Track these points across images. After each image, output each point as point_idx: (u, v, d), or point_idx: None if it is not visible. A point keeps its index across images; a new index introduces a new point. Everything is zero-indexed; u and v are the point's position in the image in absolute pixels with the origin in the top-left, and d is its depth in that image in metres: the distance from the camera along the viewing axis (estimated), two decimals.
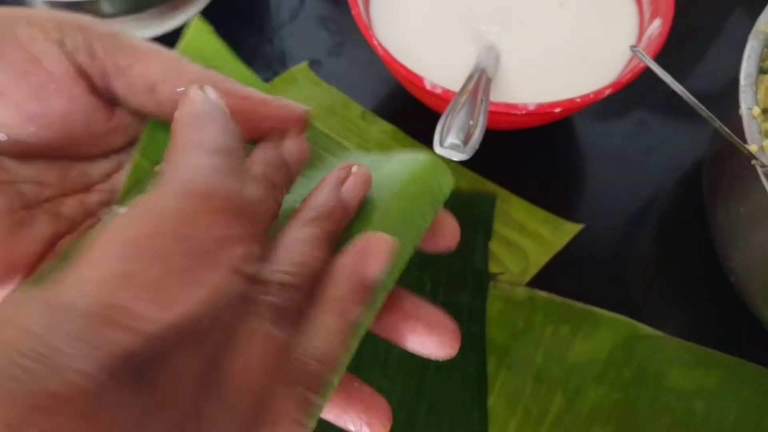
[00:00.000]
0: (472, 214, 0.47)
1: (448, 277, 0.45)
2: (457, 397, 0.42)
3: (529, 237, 0.47)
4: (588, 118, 0.52)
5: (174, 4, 0.55)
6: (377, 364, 0.42)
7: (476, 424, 0.41)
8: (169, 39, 0.55)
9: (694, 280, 0.46)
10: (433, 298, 0.44)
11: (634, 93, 0.53)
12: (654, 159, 0.50)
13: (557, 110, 0.39)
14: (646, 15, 0.45)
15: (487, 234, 0.46)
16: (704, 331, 0.44)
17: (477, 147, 0.36)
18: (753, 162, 0.36)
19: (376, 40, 0.42)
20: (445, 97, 0.39)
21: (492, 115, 0.40)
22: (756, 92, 0.39)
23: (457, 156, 0.36)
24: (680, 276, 0.47)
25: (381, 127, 0.51)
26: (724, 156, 0.41)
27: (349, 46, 0.55)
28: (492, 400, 0.42)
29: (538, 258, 0.46)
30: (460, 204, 0.47)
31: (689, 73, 0.56)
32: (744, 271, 0.41)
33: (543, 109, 0.39)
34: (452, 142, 0.36)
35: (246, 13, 0.57)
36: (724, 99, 0.41)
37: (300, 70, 0.53)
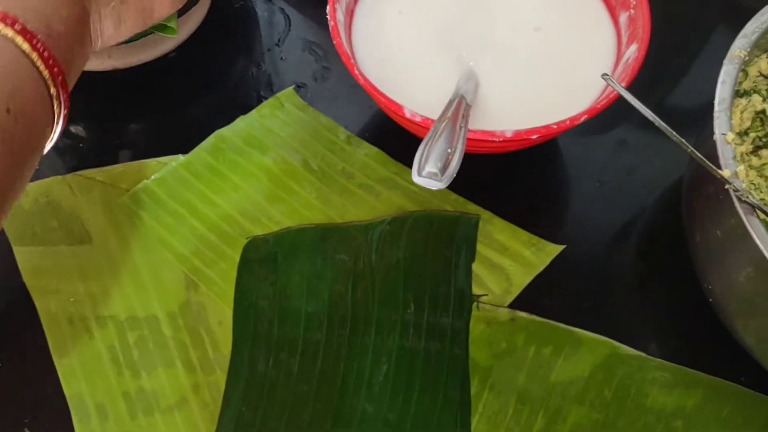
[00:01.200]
0: (456, 235, 0.48)
1: (432, 298, 0.45)
2: (441, 418, 0.42)
3: (511, 258, 0.47)
4: (571, 138, 0.53)
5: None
6: (362, 386, 0.43)
7: None
8: (159, 64, 0.56)
9: (674, 301, 0.47)
10: (417, 318, 0.45)
11: (617, 113, 0.54)
12: (635, 179, 0.51)
13: (534, 137, 0.40)
14: (624, 39, 0.46)
15: (471, 255, 0.47)
16: (684, 351, 0.45)
17: (454, 175, 0.37)
18: (726, 187, 0.36)
19: (357, 69, 0.42)
20: (425, 125, 0.40)
21: (470, 141, 0.40)
22: (730, 117, 0.39)
23: (435, 185, 0.37)
24: (661, 296, 0.47)
25: (366, 151, 0.52)
26: (700, 180, 0.42)
27: (336, 70, 0.56)
28: (475, 421, 0.43)
29: (521, 279, 0.47)
30: (444, 226, 0.48)
31: (672, 91, 0.57)
32: (722, 293, 0.41)
33: (520, 136, 0.40)
34: (430, 170, 0.37)
35: (235, 38, 0.58)
36: (702, 121, 0.42)
37: (286, 94, 0.54)
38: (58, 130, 0.39)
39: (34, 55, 0.35)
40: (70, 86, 0.39)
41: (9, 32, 0.34)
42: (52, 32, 0.36)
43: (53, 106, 0.37)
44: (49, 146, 0.39)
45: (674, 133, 0.37)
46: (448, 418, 0.42)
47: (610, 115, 0.54)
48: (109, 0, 0.41)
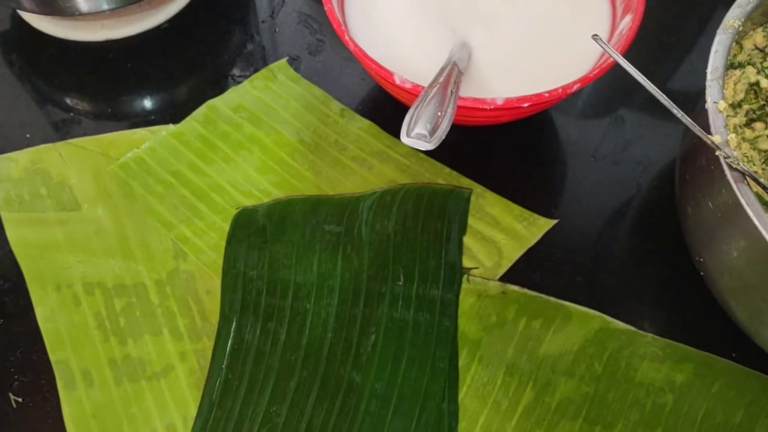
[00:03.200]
0: (447, 209, 0.47)
1: (422, 271, 0.45)
2: (428, 389, 0.42)
3: (503, 232, 0.47)
4: (567, 114, 0.53)
5: (155, 2, 0.55)
6: (349, 356, 0.43)
7: (447, 416, 0.42)
8: (152, 35, 0.56)
9: (666, 276, 0.47)
10: (407, 291, 0.44)
11: (614, 90, 0.54)
12: (630, 155, 0.51)
13: (525, 105, 0.40)
14: (619, 11, 0.45)
15: (462, 229, 0.47)
16: (676, 326, 0.45)
17: (443, 137, 0.37)
18: (717, 153, 0.36)
19: (348, 35, 0.42)
20: (414, 92, 0.40)
21: (462, 110, 0.40)
22: (723, 86, 0.39)
23: (423, 146, 0.36)
24: (653, 272, 0.47)
25: (359, 124, 0.51)
26: (693, 152, 0.41)
27: (330, 43, 0.55)
28: (463, 393, 0.42)
29: (512, 253, 0.47)
30: (436, 199, 0.48)
31: (675, 69, 0.57)
32: (713, 267, 0.41)
33: (511, 104, 0.39)
34: (419, 132, 0.37)
35: (229, 9, 0.58)
36: (699, 96, 0.41)
37: (279, 66, 0.54)
38: None
39: None
40: None
41: None
42: None
43: None
44: None
45: (664, 96, 0.36)
46: (435, 390, 0.42)
47: (606, 92, 0.54)
48: None
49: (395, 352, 0.43)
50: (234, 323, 0.44)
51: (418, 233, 0.46)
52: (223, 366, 0.42)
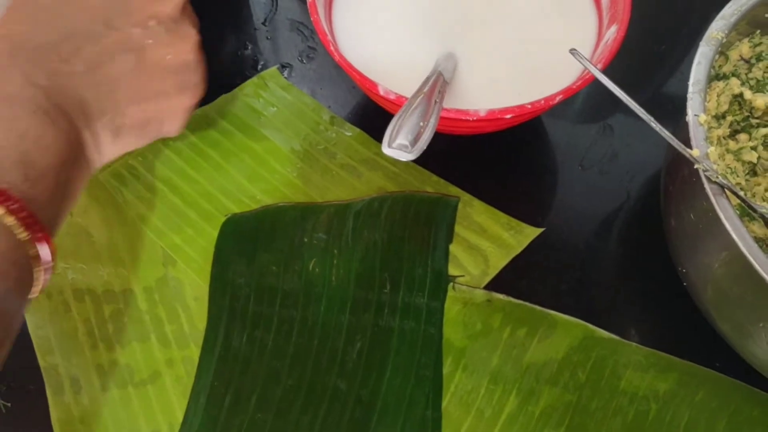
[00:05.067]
0: (434, 217, 0.48)
1: (409, 278, 0.45)
2: (413, 397, 0.42)
3: (489, 240, 0.47)
4: (556, 123, 0.53)
5: None
6: (335, 364, 0.43)
7: (430, 423, 0.42)
8: None
9: (651, 286, 0.47)
10: (393, 298, 0.45)
11: (603, 99, 0.54)
12: (618, 164, 0.51)
13: (508, 116, 0.40)
14: (605, 21, 0.45)
15: (449, 237, 0.47)
16: (660, 335, 0.45)
17: (425, 147, 0.37)
18: (696, 167, 0.36)
19: (334, 46, 0.42)
20: (398, 103, 0.40)
21: (445, 120, 0.40)
22: (705, 99, 0.39)
23: (404, 156, 0.36)
24: (638, 281, 0.47)
25: (348, 132, 0.52)
26: (676, 163, 0.41)
27: (321, 51, 0.56)
28: (446, 401, 0.43)
29: (498, 261, 0.47)
30: (423, 207, 0.48)
31: (669, 77, 0.57)
32: (696, 277, 0.41)
33: (494, 116, 0.40)
34: (400, 143, 0.37)
35: (221, 16, 0.58)
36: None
37: (270, 74, 0.54)
38: (44, 277, 0.35)
39: (8, 219, 0.32)
40: (61, 221, 0.37)
41: None
42: (31, 174, 0.33)
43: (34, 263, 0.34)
44: (37, 292, 0.35)
45: (642, 110, 0.36)
46: (419, 398, 0.42)
47: (595, 100, 0.54)
48: (101, 113, 0.37)
49: (380, 359, 0.43)
50: (221, 330, 0.44)
51: (405, 241, 0.47)
52: (210, 373, 0.43)
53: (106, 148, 0.39)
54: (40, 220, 0.33)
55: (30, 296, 0.35)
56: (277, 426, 0.42)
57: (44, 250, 0.34)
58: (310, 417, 0.42)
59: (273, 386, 0.43)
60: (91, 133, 0.37)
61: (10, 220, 0.31)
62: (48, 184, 0.34)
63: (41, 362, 0.43)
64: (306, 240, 0.47)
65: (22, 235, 0.32)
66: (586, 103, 0.55)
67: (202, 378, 0.43)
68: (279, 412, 0.42)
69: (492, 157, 0.51)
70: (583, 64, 0.36)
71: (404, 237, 0.47)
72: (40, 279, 0.34)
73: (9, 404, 0.42)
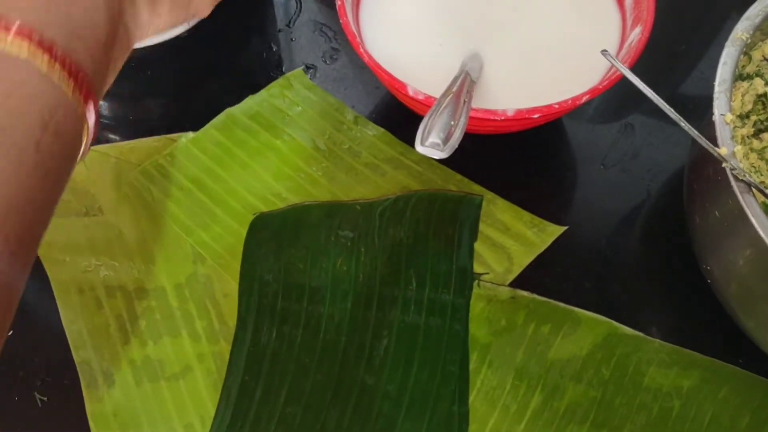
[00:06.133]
0: (459, 215, 0.48)
1: (434, 275, 0.46)
2: (439, 392, 0.43)
3: (513, 238, 0.48)
4: (577, 122, 0.53)
5: None
6: (362, 359, 0.44)
7: (456, 418, 0.43)
8: (171, 44, 0.57)
9: (675, 283, 0.47)
10: (419, 295, 0.45)
11: (624, 98, 0.54)
12: (639, 163, 0.51)
13: (536, 116, 0.40)
14: (629, 22, 0.46)
15: (473, 235, 0.48)
16: (683, 332, 0.45)
17: (456, 146, 0.38)
18: (723, 165, 0.36)
19: (363, 48, 0.43)
20: (427, 103, 0.41)
21: (473, 120, 0.41)
22: (730, 99, 0.39)
23: (437, 154, 0.37)
24: (662, 279, 0.48)
25: (372, 131, 0.52)
26: (700, 162, 0.42)
27: (345, 52, 0.57)
28: (472, 397, 0.43)
29: (522, 258, 0.47)
30: (447, 205, 0.49)
31: (685, 79, 0.57)
32: (720, 274, 0.42)
33: (521, 115, 0.40)
34: (433, 141, 0.38)
35: (247, 19, 0.59)
36: (708, 103, 0.42)
37: (295, 75, 0.55)
38: (88, 141, 0.35)
39: (57, 75, 0.31)
40: (105, 89, 0.37)
41: (24, 48, 0.30)
42: (79, 40, 0.33)
43: (82, 122, 0.34)
44: (80, 158, 0.36)
45: (671, 110, 0.37)
46: (446, 393, 0.43)
47: (616, 100, 0.55)
48: None
49: (407, 355, 0.44)
50: (250, 326, 0.45)
51: (430, 239, 0.47)
52: (241, 367, 0.44)
53: (143, 20, 0.39)
54: (90, 79, 0.33)
55: (81, 155, 0.35)
56: (307, 419, 0.42)
57: (91, 113, 0.34)
58: (339, 411, 0.43)
59: (302, 381, 0.43)
60: (133, 8, 0.38)
61: (58, 75, 0.31)
62: (95, 48, 0.34)
63: (75, 357, 0.44)
64: (332, 238, 0.47)
65: (70, 91, 0.32)
66: (606, 103, 0.55)
67: (233, 372, 0.44)
68: (308, 406, 0.43)
69: (514, 156, 0.52)
70: (615, 65, 0.37)
71: (429, 235, 0.47)
72: (90, 134, 0.35)
73: (45, 398, 0.43)
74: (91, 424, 0.43)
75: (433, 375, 0.44)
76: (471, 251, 0.47)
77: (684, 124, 0.36)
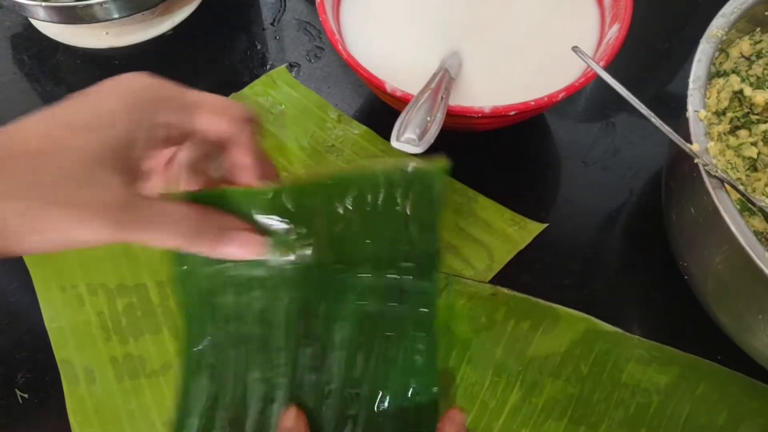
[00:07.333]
0: (423, 189, 0.40)
1: (399, 253, 0.40)
2: (405, 379, 0.41)
3: (494, 235, 0.48)
4: (560, 119, 0.54)
5: (164, 7, 0.57)
6: (321, 348, 0.40)
7: (427, 406, 0.41)
8: (156, 42, 0.57)
9: (654, 280, 0.47)
10: (380, 272, 0.40)
11: (606, 96, 0.55)
12: (620, 160, 0.52)
13: (512, 113, 0.41)
14: (608, 19, 0.46)
15: (436, 211, 0.40)
16: (662, 328, 0.45)
17: (432, 141, 0.38)
18: (696, 161, 0.37)
19: (342, 45, 0.43)
20: (405, 100, 0.41)
21: (451, 117, 0.41)
22: (705, 95, 0.40)
23: (412, 149, 0.37)
24: (640, 275, 0.48)
25: (355, 129, 0.53)
26: (677, 159, 0.42)
27: (328, 50, 0.57)
28: (451, 393, 0.44)
29: (503, 255, 0.48)
30: (404, 182, 0.44)
31: (673, 75, 0.57)
32: (696, 272, 0.42)
33: (498, 112, 0.41)
34: (408, 136, 0.37)
35: (231, 17, 0.59)
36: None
37: (279, 73, 0.55)
38: None
39: None
40: None
41: None
42: None
43: None
44: None
45: (643, 106, 0.37)
46: (413, 380, 0.41)
47: (598, 97, 0.55)
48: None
49: (369, 335, 0.40)
50: (197, 327, 0.40)
51: (388, 219, 0.43)
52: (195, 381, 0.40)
53: (11, 230, 0.30)
54: None
55: None
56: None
57: None
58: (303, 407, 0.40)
59: (253, 371, 0.40)
60: None
61: None
62: None
63: (57, 354, 0.45)
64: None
65: None
66: (589, 101, 0.55)
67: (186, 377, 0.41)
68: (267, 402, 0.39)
69: (496, 154, 0.52)
70: (585, 61, 0.37)
71: (388, 214, 0.40)
72: None
73: (26, 395, 0.44)
74: (72, 421, 0.43)
75: (396, 360, 0.40)
76: (437, 226, 0.40)
77: (656, 119, 0.36)
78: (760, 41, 0.44)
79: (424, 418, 0.40)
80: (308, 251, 0.40)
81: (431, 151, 0.38)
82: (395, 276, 0.41)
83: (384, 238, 0.41)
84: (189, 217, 0.31)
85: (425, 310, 0.41)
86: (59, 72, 0.56)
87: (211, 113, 0.34)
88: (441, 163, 0.40)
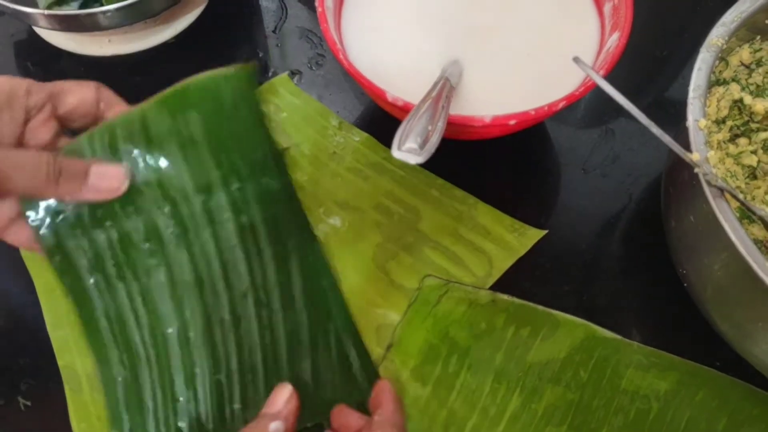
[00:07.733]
0: (235, 95, 0.41)
1: (239, 164, 0.40)
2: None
3: (493, 242, 0.48)
4: (559, 127, 0.54)
5: (166, 15, 0.57)
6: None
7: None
8: (159, 50, 0.58)
9: (653, 287, 0.48)
10: (227, 193, 0.39)
11: (606, 103, 0.55)
12: (619, 167, 0.52)
13: (512, 122, 0.41)
14: (608, 28, 0.46)
15: (256, 108, 0.41)
16: (661, 335, 0.46)
17: (433, 151, 0.37)
18: (695, 170, 0.37)
19: (343, 54, 0.44)
20: (406, 109, 0.41)
21: (452, 126, 0.41)
22: (705, 104, 0.40)
23: (414, 159, 0.37)
24: (640, 282, 0.48)
25: (357, 137, 0.53)
26: (677, 166, 0.42)
27: (330, 58, 0.57)
28: (452, 400, 0.44)
29: (502, 262, 0.48)
30: (218, 90, 0.41)
31: (672, 82, 0.58)
32: (695, 278, 0.42)
33: (498, 121, 0.41)
34: (410, 146, 0.37)
35: (233, 25, 0.60)
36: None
37: (281, 80, 0.55)
38: None
39: None
40: None
41: None
42: None
43: None
44: None
45: (641, 113, 0.37)
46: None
47: (597, 106, 0.55)
48: None
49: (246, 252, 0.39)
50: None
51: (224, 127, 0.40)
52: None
53: None
54: None
55: None
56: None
57: None
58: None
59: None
60: None
61: None
62: None
63: (59, 361, 0.45)
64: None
65: None
66: (589, 108, 0.56)
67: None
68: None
69: (496, 161, 0.52)
70: (586, 71, 0.37)
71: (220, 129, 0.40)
72: None
73: (29, 403, 0.44)
74: (75, 428, 0.43)
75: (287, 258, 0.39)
76: (264, 126, 0.41)
77: (656, 129, 0.37)
78: (760, 49, 0.44)
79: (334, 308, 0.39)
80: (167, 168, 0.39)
81: (430, 159, 0.38)
82: (240, 185, 0.39)
83: (233, 147, 0.39)
84: (47, 162, 0.33)
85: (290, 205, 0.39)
86: (63, 79, 0.56)
87: (73, 86, 0.38)
88: (247, 67, 0.43)
